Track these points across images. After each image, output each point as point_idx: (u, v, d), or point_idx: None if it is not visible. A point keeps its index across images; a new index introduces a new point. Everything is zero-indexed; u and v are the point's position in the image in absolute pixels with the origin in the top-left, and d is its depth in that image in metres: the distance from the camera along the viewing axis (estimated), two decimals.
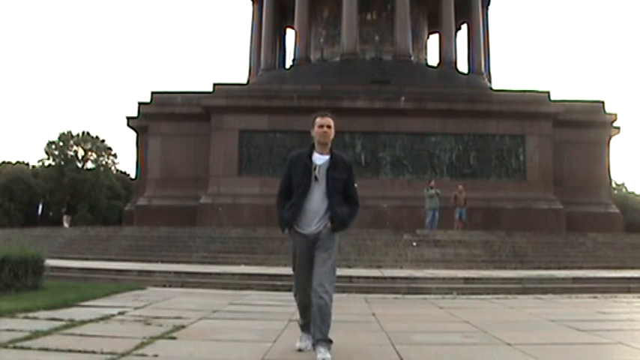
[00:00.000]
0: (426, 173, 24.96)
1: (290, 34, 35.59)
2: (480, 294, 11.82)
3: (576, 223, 24.49)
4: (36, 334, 5.71)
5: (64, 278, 12.67)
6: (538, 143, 25.60)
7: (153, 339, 5.71)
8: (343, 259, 15.59)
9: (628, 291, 12.44)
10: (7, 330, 5.91)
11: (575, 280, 13.28)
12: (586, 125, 26.55)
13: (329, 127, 5.24)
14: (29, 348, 5.09)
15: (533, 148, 25.57)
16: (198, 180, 25.40)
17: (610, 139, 27.46)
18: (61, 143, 61.64)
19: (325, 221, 5.16)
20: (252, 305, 9.41)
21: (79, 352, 5.02)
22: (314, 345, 4.97)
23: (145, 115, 26.94)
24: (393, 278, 13.22)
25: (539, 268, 17.05)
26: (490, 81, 34.04)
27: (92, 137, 63.05)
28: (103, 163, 64.17)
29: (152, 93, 27.28)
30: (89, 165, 62.80)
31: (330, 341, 4.94)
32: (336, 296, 5.14)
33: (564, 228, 24.11)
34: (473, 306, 9.79)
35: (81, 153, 62.56)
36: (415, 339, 6.22)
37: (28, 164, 64.06)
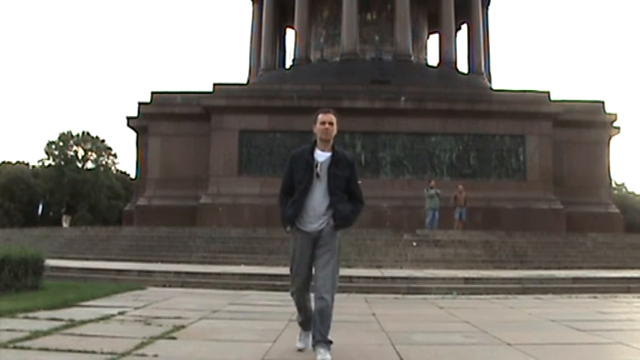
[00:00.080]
0: (426, 173, 24.97)
1: (290, 34, 35.62)
2: (480, 294, 11.82)
3: (576, 223, 24.49)
4: (36, 334, 5.71)
5: (64, 278, 12.66)
6: (538, 143, 25.60)
7: (153, 339, 5.71)
8: (343, 259, 15.48)
9: (628, 291, 12.43)
10: (7, 330, 5.91)
11: (575, 280, 13.27)
12: (586, 125, 26.55)
13: (331, 123, 5.20)
14: (29, 348, 5.09)
15: (533, 148, 25.57)
16: (198, 180, 25.40)
17: (610, 139, 27.46)
18: (61, 143, 61.65)
19: (328, 219, 5.13)
20: (252, 305, 9.41)
21: (79, 352, 5.02)
22: (314, 346, 4.96)
23: (145, 115, 26.94)
24: (393, 278, 13.22)
25: (539, 268, 17.05)
26: (490, 81, 34.05)
27: (92, 137, 63.06)
28: (103, 163, 64.18)
29: (152, 93, 27.29)
30: (89, 165, 62.81)
31: (330, 342, 4.94)
32: (336, 296, 5.13)
33: (564, 228, 24.11)
34: (473, 306, 9.78)
35: (81, 153, 62.58)
36: (415, 339, 6.21)
37: (28, 164, 64.08)
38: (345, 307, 8.50)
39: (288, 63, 33.70)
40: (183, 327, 6.59)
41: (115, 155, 65.23)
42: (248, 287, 12.25)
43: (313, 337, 4.99)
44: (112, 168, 65.27)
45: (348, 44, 29.45)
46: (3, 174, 57.66)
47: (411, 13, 30.50)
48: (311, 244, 5.14)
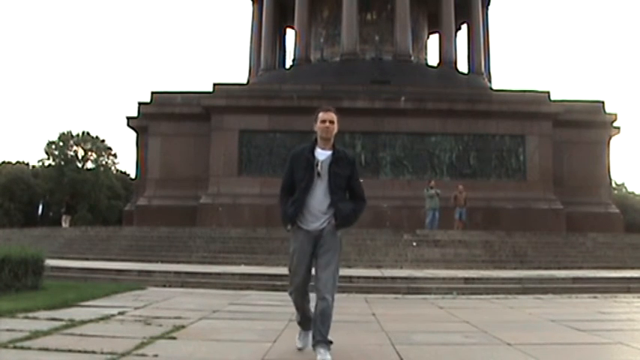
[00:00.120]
0: (426, 173, 24.97)
1: (290, 34, 35.63)
2: (480, 294, 11.82)
3: (576, 223, 24.50)
4: (36, 334, 5.71)
5: (64, 278, 12.67)
6: (538, 143, 25.60)
7: (153, 339, 5.71)
8: (343, 259, 15.44)
9: (628, 291, 12.44)
10: (7, 330, 5.91)
11: (575, 280, 13.28)
12: (586, 125, 26.56)
13: (332, 122, 5.16)
14: (29, 348, 5.09)
15: (533, 148, 25.58)
16: (198, 180, 25.41)
17: (610, 139, 27.47)
18: (61, 143, 61.64)
19: (329, 218, 5.10)
20: (252, 305, 9.41)
21: (79, 352, 5.02)
22: (314, 346, 4.96)
23: (145, 115, 26.95)
24: (393, 278, 13.22)
25: (539, 268, 17.05)
26: (490, 81, 34.05)
27: (92, 137, 63.05)
28: (103, 163, 64.16)
29: (152, 93, 27.29)
30: (89, 165, 62.78)
31: (330, 342, 4.93)
32: (336, 296, 5.13)
33: (564, 228, 24.11)
34: (473, 306, 9.79)
35: (81, 153, 62.56)
36: (415, 339, 6.22)
37: (28, 164, 64.07)
38: (345, 307, 8.49)
39: (288, 63, 33.71)
40: (183, 327, 6.59)
41: (115, 155, 65.27)
42: (248, 287, 12.26)
43: (313, 337, 4.98)
44: (112, 168, 65.26)
45: (348, 44, 29.45)
46: (3, 174, 57.66)
47: (411, 13, 30.51)
48: (312, 243, 5.11)
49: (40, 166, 62.24)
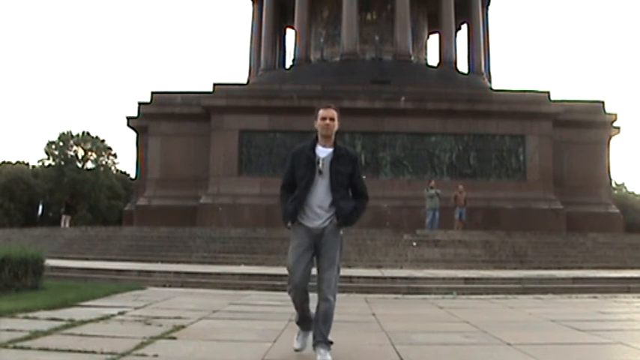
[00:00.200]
0: (426, 173, 24.97)
1: (290, 34, 35.62)
2: (480, 294, 11.83)
3: (576, 223, 24.50)
4: (36, 334, 5.71)
5: (64, 278, 12.67)
6: (538, 143, 25.60)
7: (153, 339, 5.71)
8: (343, 259, 15.43)
9: (628, 291, 12.44)
10: (7, 330, 5.91)
11: (575, 280, 13.28)
12: (586, 125, 26.56)
13: (332, 119, 5.11)
14: (29, 348, 5.09)
15: (533, 148, 25.58)
16: (198, 180, 25.41)
17: (610, 139, 27.47)
18: (61, 143, 61.64)
19: (331, 217, 5.05)
20: (252, 305, 9.41)
21: (79, 352, 5.02)
22: (314, 346, 4.94)
23: (145, 115, 26.95)
24: (393, 278, 13.22)
25: (539, 268, 17.05)
26: (490, 81, 34.05)
27: (92, 137, 63.06)
28: (103, 163, 64.17)
29: (152, 93, 27.30)
30: (89, 165, 62.79)
31: (331, 342, 4.92)
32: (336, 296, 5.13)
33: (564, 228, 24.11)
34: (473, 306, 9.79)
35: (81, 153, 62.57)
36: (415, 339, 6.22)
37: (28, 164, 64.06)
38: (345, 307, 8.49)
39: (288, 63, 33.71)
40: (183, 327, 6.59)
41: (115, 155, 65.28)
42: (248, 287, 12.26)
43: (314, 337, 4.96)
44: (112, 168, 65.26)
45: (348, 44, 29.45)
46: (3, 174, 57.66)
47: (411, 13, 30.50)
48: (312, 241, 5.04)
49: (40, 166, 62.25)
